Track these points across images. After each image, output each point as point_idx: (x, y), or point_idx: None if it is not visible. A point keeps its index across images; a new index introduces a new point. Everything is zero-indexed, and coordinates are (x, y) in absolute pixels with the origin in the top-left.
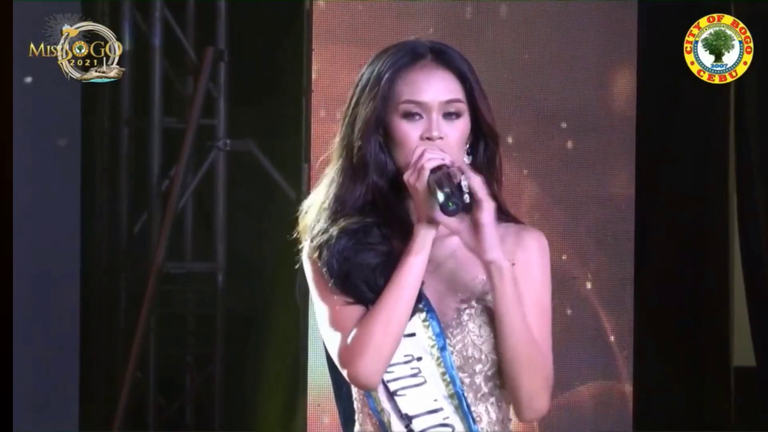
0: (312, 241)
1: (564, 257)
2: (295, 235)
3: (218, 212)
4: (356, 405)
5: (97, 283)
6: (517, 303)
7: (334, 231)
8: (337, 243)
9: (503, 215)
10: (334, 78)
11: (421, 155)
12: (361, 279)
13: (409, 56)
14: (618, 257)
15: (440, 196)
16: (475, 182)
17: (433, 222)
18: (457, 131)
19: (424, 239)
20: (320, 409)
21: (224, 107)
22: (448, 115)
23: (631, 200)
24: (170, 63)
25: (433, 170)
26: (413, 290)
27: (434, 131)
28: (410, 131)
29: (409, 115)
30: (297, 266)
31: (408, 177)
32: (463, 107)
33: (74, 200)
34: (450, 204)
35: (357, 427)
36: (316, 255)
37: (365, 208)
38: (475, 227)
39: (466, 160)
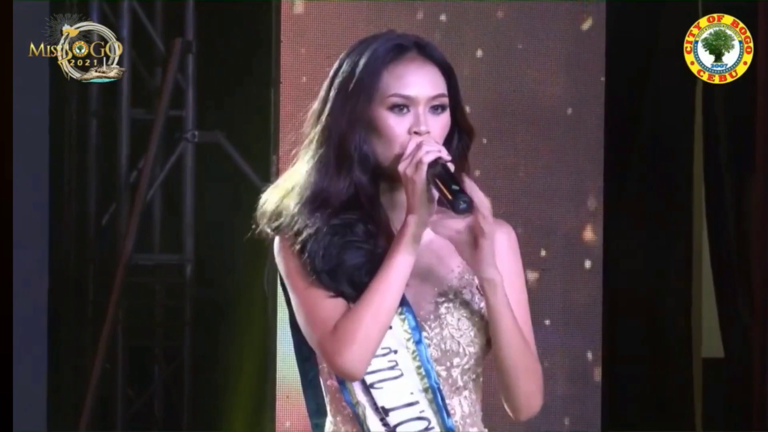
0: (297, 235)
1: (534, 250)
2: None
3: (186, 204)
4: (327, 397)
5: (65, 275)
6: (511, 313)
7: (318, 226)
8: (323, 239)
9: None
10: (303, 70)
11: (419, 147)
12: (346, 277)
13: (395, 49)
14: (585, 252)
15: (451, 193)
16: (469, 184)
17: (426, 215)
18: (441, 125)
19: (416, 232)
20: (289, 400)
21: (192, 99)
22: (434, 110)
23: (599, 193)
24: (138, 54)
25: (431, 164)
26: (402, 283)
27: (422, 125)
28: (396, 124)
29: (396, 108)
30: (270, 258)
31: (404, 169)
32: (446, 101)
33: (42, 191)
34: (462, 202)
35: (329, 419)
36: (298, 248)
37: (349, 201)
38: (473, 237)
39: None
